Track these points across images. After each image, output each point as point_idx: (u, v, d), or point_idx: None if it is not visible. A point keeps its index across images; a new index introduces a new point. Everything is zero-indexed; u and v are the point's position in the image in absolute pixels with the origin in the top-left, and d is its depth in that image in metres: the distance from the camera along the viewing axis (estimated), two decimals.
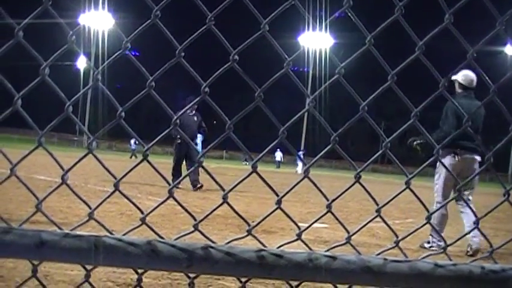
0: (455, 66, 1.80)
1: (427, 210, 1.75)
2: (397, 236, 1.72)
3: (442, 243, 5.46)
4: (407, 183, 1.71)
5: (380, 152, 1.73)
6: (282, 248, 1.55)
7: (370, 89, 1.67)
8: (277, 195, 1.62)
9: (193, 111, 12.96)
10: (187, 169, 12.48)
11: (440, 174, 6.48)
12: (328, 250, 1.58)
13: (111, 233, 1.49)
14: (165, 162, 14.80)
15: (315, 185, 1.66)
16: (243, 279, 1.64)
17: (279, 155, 56.66)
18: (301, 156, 36.87)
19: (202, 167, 1.62)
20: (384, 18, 1.59)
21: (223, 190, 1.60)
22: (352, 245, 1.67)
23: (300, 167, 38.81)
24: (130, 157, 41.32)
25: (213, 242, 1.51)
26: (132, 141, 46.64)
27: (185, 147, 12.59)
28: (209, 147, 1.92)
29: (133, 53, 1.53)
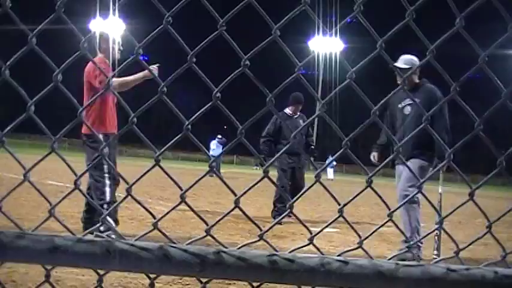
0: (467, 69, 1.78)
1: (439, 215, 1.74)
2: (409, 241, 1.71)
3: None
4: (419, 188, 1.70)
5: (391, 156, 1.73)
6: (293, 252, 1.54)
7: (381, 93, 1.67)
8: (289, 200, 1.62)
9: (298, 113, 9.12)
10: (292, 193, 8.97)
11: None
12: (340, 255, 1.57)
13: (123, 238, 1.49)
14: (176, 167, 14.79)
15: (326, 189, 1.66)
16: (255, 284, 1.64)
17: None
18: (333, 163, 36.53)
19: (214, 172, 1.62)
20: (395, 22, 1.58)
21: (235, 195, 1.60)
22: (364, 250, 1.66)
23: (331, 174, 38.85)
24: None
25: (224, 247, 1.51)
26: None
27: (291, 163, 9.08)
28: (220, 152, 1.92)
29: (142, 58, 1.54)
